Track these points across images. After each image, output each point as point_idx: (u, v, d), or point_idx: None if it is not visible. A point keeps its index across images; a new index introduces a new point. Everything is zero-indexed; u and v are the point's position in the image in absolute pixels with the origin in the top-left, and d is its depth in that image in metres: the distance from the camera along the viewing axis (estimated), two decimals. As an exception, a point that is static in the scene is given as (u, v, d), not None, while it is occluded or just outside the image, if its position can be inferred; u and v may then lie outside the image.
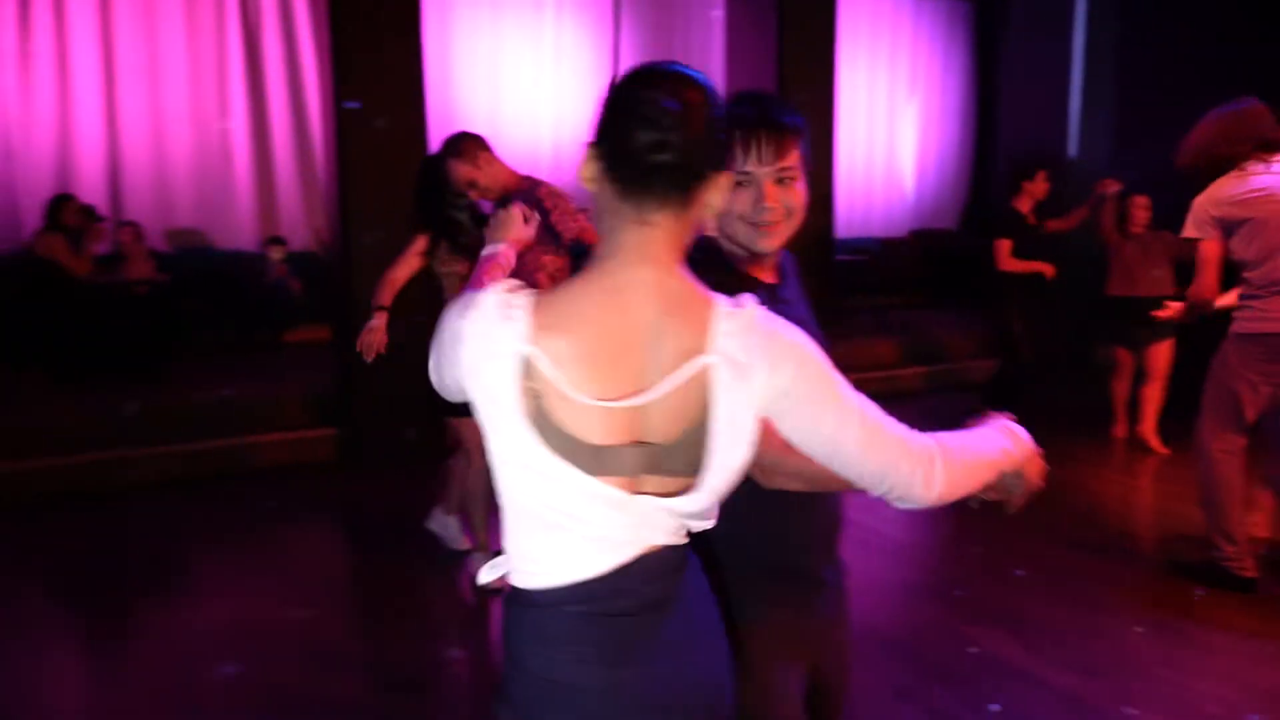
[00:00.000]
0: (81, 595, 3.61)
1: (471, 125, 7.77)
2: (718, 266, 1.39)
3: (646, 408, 1.08)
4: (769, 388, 1.08)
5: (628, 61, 9.15)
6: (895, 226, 11.51)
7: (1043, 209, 5.56)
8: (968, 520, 2.63)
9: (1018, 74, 8.14)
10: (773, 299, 1.31)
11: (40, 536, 4.15)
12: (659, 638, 1.11)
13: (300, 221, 8.21)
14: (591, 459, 1.07)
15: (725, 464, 1.10)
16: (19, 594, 3.60)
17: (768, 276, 1.44)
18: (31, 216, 6.97)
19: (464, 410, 3.39)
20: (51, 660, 3.14)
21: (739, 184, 1.35)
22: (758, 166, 1.36)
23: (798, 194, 1.39)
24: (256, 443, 5.11)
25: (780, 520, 1.40)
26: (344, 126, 5.00)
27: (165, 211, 7.63)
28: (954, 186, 11.48)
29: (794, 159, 1.38)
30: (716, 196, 1.14)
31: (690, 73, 1.11)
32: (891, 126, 11.28)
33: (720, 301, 1.12)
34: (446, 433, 3.84)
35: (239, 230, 7.91)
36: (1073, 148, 7.97)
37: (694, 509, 1.11)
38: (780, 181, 1.37)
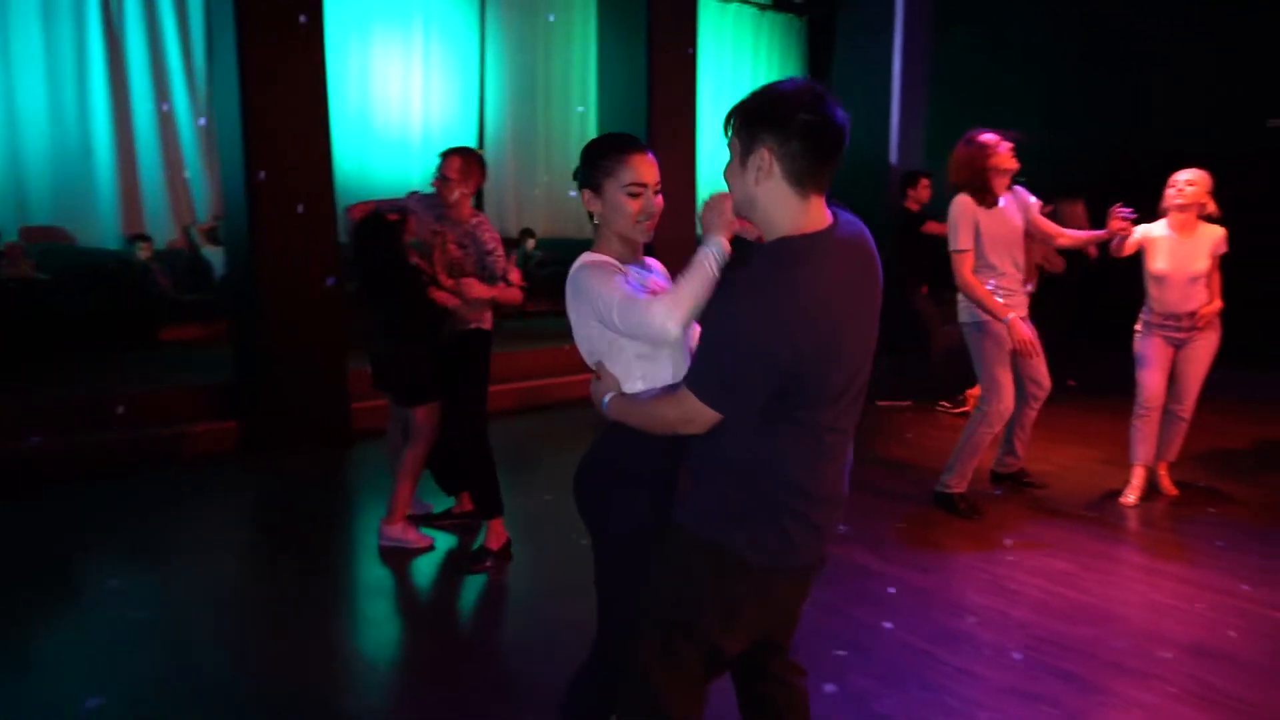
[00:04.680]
0: None
1: (343, 125, 7.93)
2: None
3: None
4: None
5: (494, 70, 9.56)
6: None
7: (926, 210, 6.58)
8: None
9: (847, 86, 9.15)
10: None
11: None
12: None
13: (165, 219, 8.15)
14: None
15: None
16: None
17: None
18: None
19: (430, 397, 3.80)
20: None
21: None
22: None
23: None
24: (155, 435, 5.24)
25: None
26: (251, 132, 5.20)
27: (21, 210, 7.39)
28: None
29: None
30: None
31: None
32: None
33: None
34: (394, 423, 4.13)
35: (101, 228, 7.77)
36: (893, 155, 9.09)
37: None
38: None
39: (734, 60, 11.63)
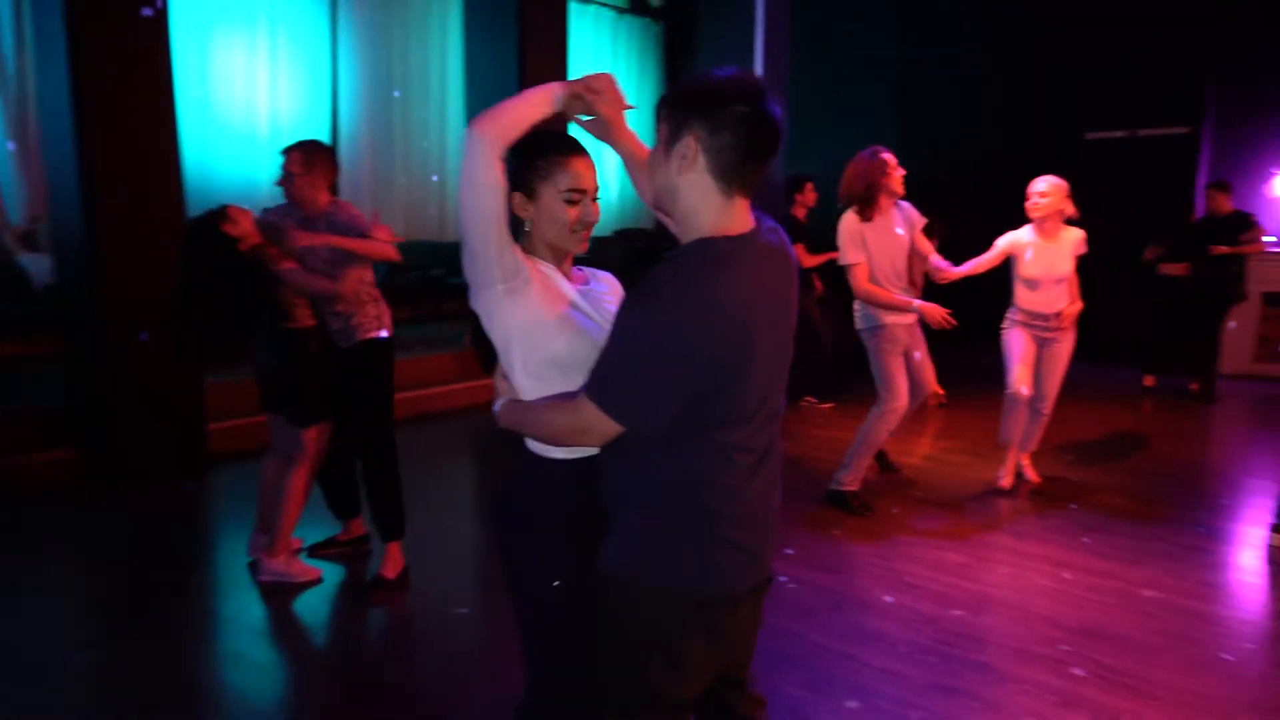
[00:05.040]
0: None
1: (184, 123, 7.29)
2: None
3: None
4: None
5: (348, 59, 9.08)
6: (600, 226, 12.40)
7: (812, 213, 6.66)
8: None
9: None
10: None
11: None
12: None
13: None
14: None
15: None
16: None
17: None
18: None
19: (322, 416, 3.53)
20: None
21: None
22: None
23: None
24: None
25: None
26: (88, 125, 4.66)
27: None
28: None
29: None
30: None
31: None
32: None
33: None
34: (277, 444, 3.79)
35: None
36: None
37: None
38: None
39: (594, 63, 11.59)
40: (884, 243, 4.29)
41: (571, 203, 1.73)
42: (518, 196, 1.75)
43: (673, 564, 1.52)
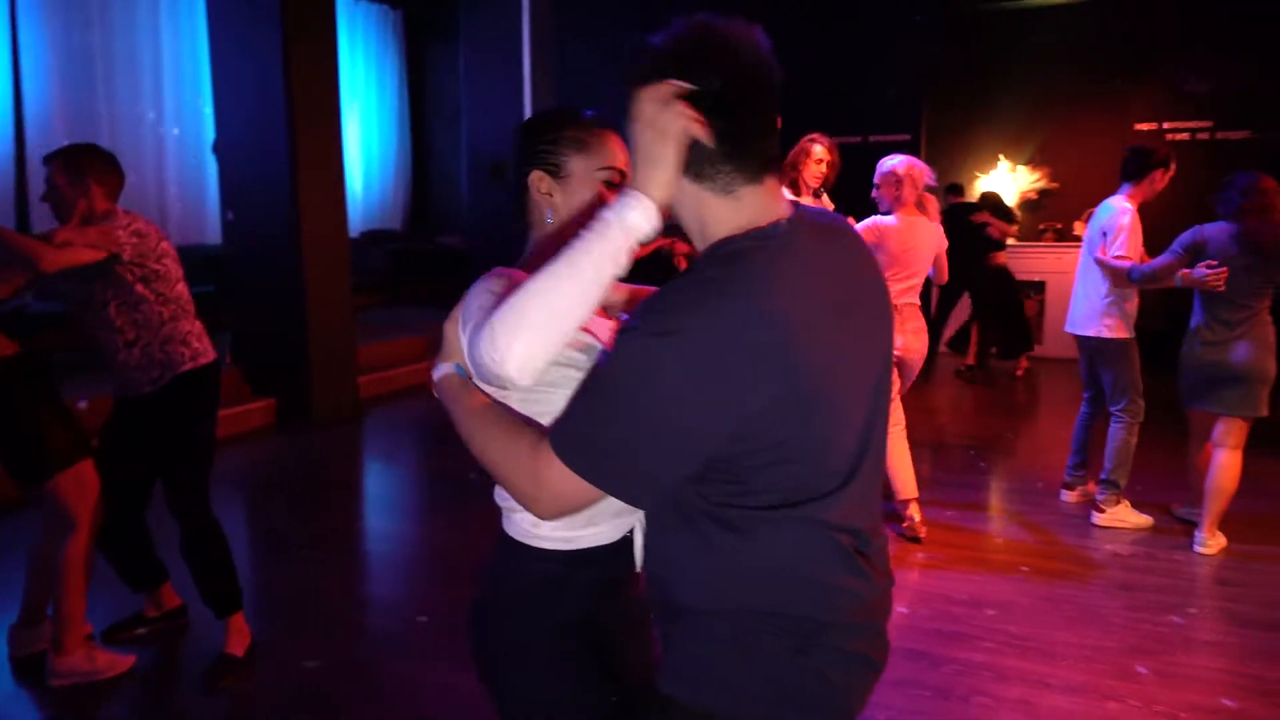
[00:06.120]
0: None
1: None
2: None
3: None
4: None
5: (31, 55, 7.54)
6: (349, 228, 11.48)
7: None
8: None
9: (476, 83, 8.86)
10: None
11: None
12: None
13: None
14: None
15: None
16: None
17: None
18: None
19: (67, 459, 2.81)
20: None
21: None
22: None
23: None
24: None
25: None
26: None
27: None
28: (395, 189, 11.91)
29: None
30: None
31: None
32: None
33: None
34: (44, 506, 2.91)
35: None
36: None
37: None
38: None
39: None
40: None
41: (611, 185, 1.37)
42: (538, 175, 1.37)
43: (776, 689, 1.12)
